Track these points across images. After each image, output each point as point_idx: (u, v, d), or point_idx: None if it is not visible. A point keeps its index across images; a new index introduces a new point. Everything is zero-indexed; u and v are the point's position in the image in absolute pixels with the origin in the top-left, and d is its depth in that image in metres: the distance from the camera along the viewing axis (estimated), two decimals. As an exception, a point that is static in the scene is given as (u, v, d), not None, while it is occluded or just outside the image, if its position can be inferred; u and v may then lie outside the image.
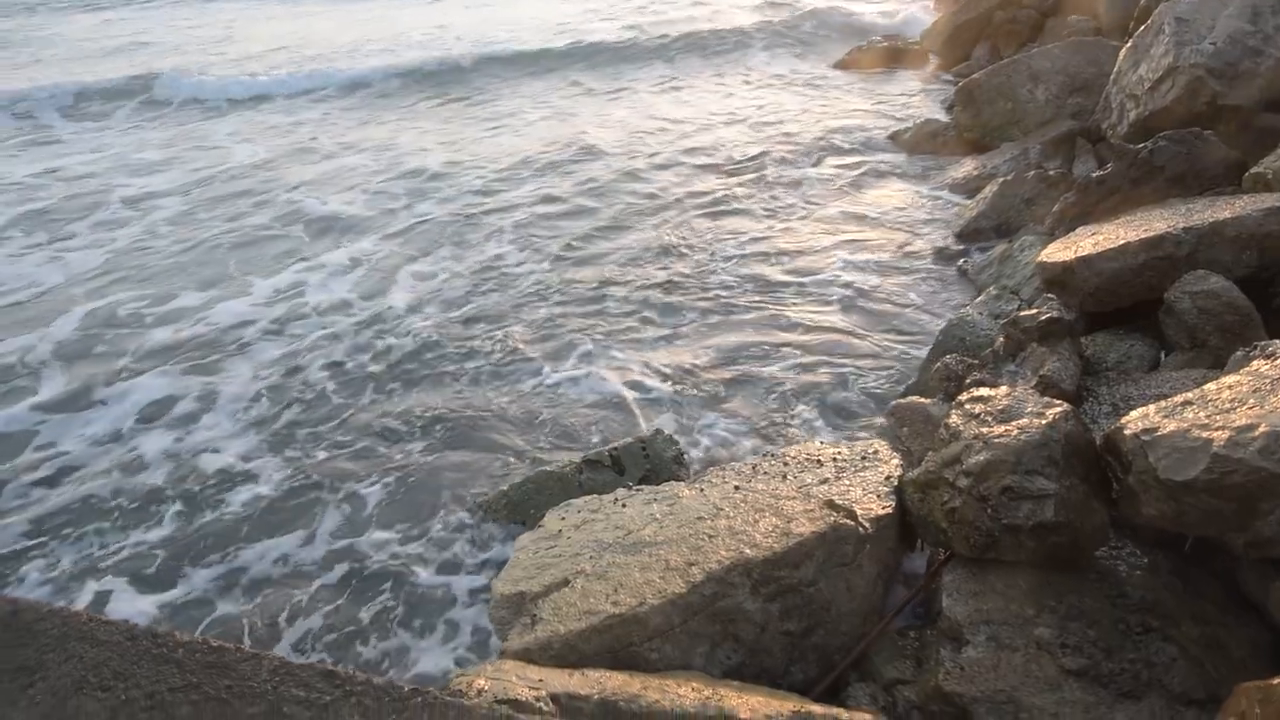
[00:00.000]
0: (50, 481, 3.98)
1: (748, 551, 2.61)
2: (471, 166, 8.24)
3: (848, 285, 5.41)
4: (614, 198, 7.29)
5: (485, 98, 11.23)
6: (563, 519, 3.10)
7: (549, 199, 7.30)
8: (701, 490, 3.09)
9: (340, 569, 3.42)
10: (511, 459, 4.00)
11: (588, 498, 3.22)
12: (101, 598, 3.32)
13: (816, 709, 2.09)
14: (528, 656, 2.43)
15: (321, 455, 4.09)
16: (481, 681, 2.00)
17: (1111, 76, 6.24)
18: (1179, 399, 2.59)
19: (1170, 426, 2.43)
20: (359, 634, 3.13)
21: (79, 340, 5.21)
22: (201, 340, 5.16)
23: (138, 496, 3.86)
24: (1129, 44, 6.04)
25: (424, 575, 3.36)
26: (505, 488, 3.58)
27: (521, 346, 4.95)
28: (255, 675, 1.51)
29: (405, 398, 4.53)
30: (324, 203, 7.37)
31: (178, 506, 3.79)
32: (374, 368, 4.82)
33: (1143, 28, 5.96)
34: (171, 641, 1.56)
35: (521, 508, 3.46)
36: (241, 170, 8.42)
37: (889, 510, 2.84)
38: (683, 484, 3.20)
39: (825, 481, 3.03)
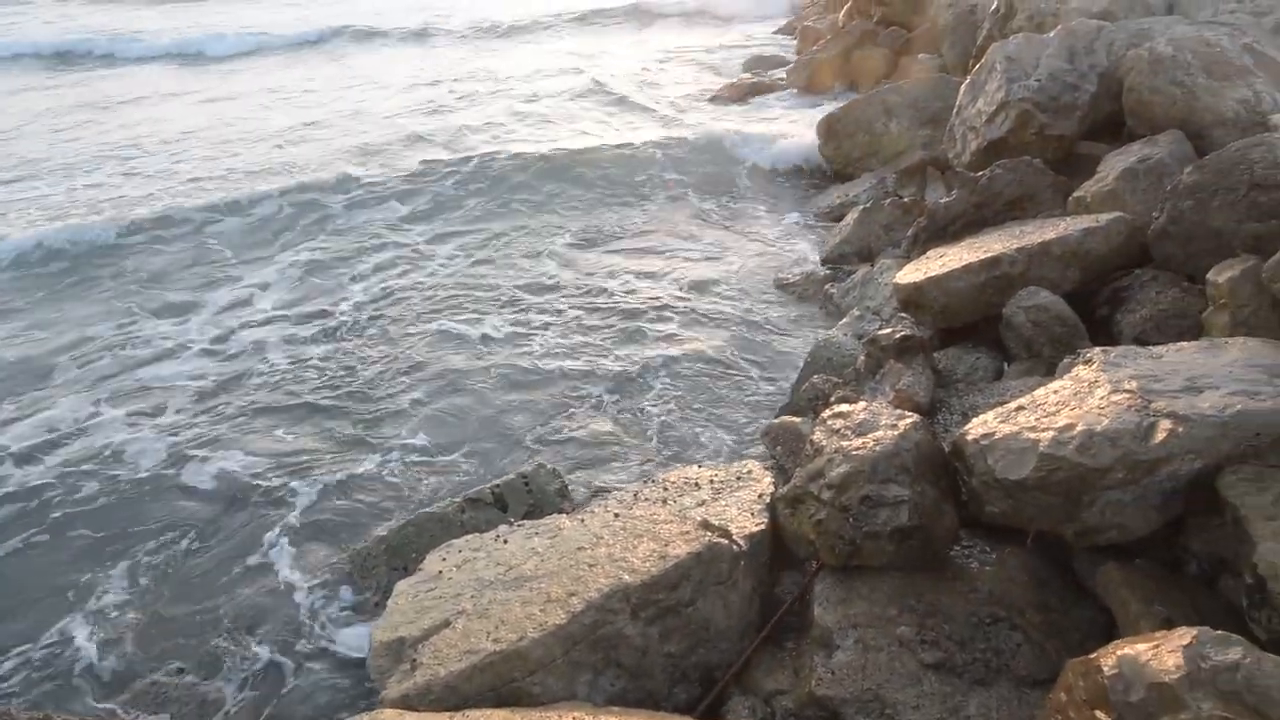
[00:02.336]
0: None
1: (626, 577, 2.66)
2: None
3: (719, 312, 5.59)
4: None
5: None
6: (444, 560, 3.07)
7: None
8: (583, 521, 3.12)
9: (215, 642, 3.27)
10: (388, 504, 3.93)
11: (469, 537, 3.20)
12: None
13: (693, 725, 2.14)
14: (406, 703, 2.39)
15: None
16: (354, 731, 1.95)
17: (955, 110, 6.74)
18: (1013, 404, 2.82)
19: (1005, 430, 2.65)
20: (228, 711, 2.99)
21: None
22: None
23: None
24: (968, 80, 6.55)
25: (305, 631, 3.25)
26: (383, 532, 3.50)
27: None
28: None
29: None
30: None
31: None
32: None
33: (978, 65, 6.48)
34: None
35: (401, 552, 3.40)
36: None
37: (762, 527, 2.95)
38: (564, 516, 3.22)
39: (702, 503, 3.11)
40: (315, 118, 11.24)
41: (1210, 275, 3.44)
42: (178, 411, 4.73)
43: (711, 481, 3.29)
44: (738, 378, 4.80)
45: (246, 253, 7.00)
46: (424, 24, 19.07)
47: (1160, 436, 2.33)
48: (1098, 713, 1.72)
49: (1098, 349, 2.98)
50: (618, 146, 9.13)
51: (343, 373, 5.06)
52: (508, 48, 16.64)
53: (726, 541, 2.81)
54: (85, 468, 4.26)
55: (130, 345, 5.47)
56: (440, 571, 2.98)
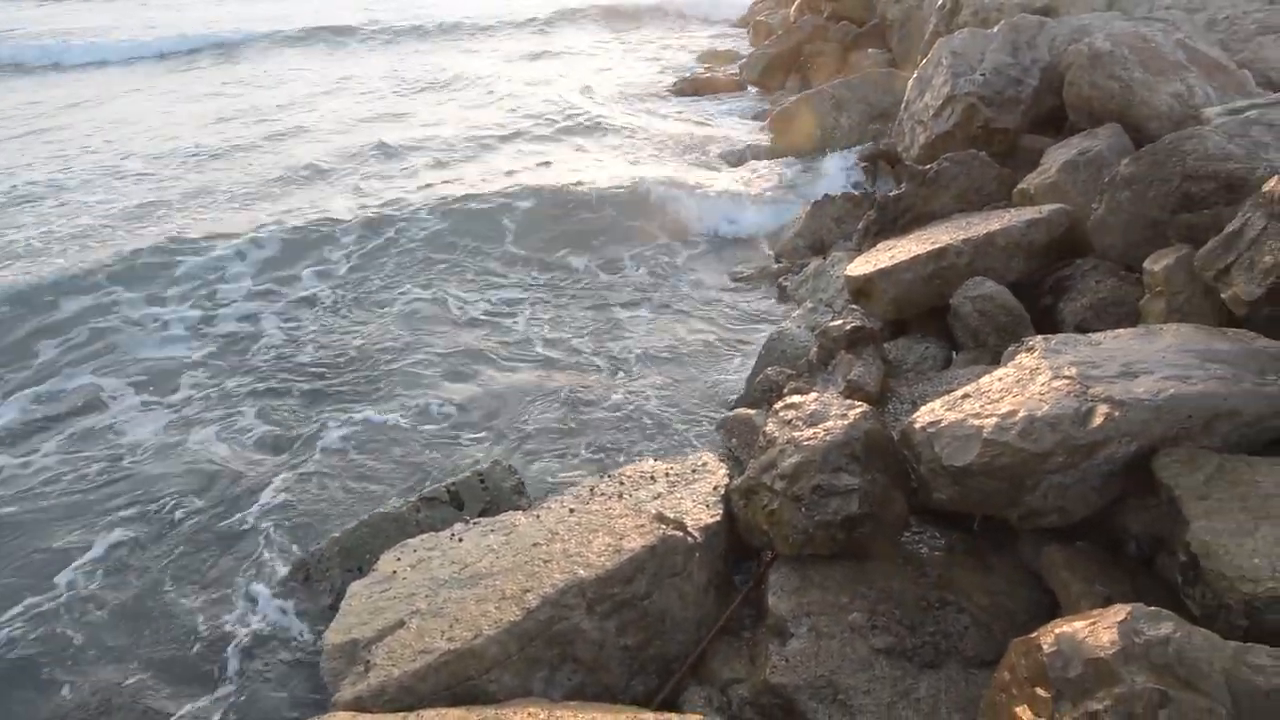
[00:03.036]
0: None
1: (581, 572, 2.66)
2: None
3: (678, 305, 5.62)
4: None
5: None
6: (398, 560, 3.04)
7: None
8: (538, 517, 3.11)
9: (163, 646, 3.19)
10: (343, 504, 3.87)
11: (424, 536, 3.17)
12: None
13: (648, 716, 2.16)
14: (360, 705, 2.36)
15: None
16: (305, 735, 1.93)
17: (903, 104, 6.84)
18: (959, 392, 2.88)
19: (951, 418, 2.70)
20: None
21: None
22: None
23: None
24: (915, 75, 6.66)
25: (257, 634, 3.19)
26: (337, 534, 3.45)
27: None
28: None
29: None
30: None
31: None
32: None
33: (925, 60, 6.59)
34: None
35: (355, 553, 3.36)
36: None
37: (717, 518, 2.98)
38: (520, 513, 3.21)
39: (658, 496, 3.13)
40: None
41: (1146, 264, 3.54)
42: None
43: (667, 475, 3.30)
44: (692, 370, 4.83)
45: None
46: (355, 23, 17.98)
47: (1098, 421, 2.40)
48: (1038, 689, 1.76)
49: (1039, 337, 3.05)
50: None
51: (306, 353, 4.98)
52: (439, 49, 16.21)
53: (681, 534, 2.83)
54: None
55: None
56: (394, 572, 2.95)
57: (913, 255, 4.18)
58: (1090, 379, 2.56)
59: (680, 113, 10.54)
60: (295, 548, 3.61)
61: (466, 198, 7.33)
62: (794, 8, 13.06)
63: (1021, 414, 2.50)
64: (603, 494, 3.23)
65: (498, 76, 13.01)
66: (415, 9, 20.13)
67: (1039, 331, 3.78)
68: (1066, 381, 2.58)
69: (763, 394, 4.04)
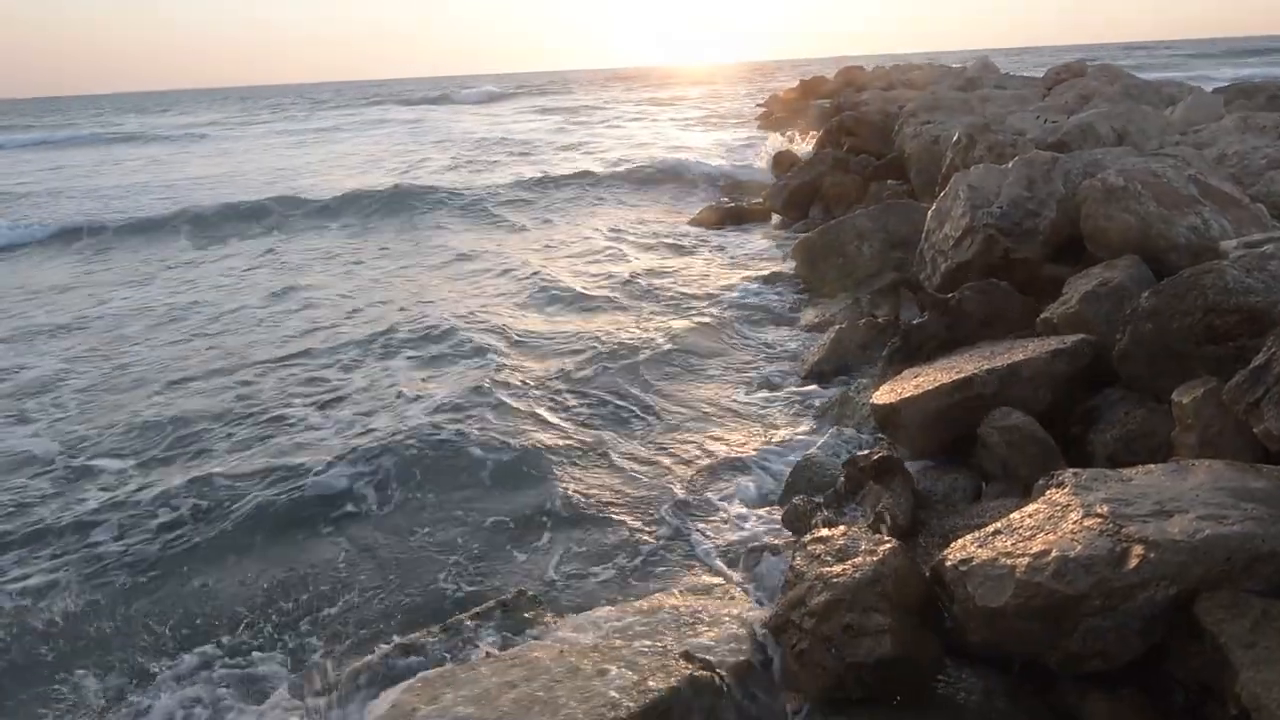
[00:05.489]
0: None
1: (608, 714, 2.58)
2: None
3: (698, 423, 5.64)
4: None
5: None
6: (416, 695, 2.97)
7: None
8: (560, 652, 3.05)
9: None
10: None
11: (441, 670, 3.11)
12: None
13: None
14: None
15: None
16: None
17: (924, 234, 7.04)
18: (990, 528, 2.84)
19: (983, 555, 2.66)
20: None
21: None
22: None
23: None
24: (934, 207, 6.87)
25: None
26: (357, 665, 3.39)
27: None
28: None
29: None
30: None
31: None
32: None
33: (944, 193, 6.81)
34: None
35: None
36: None
37: (745, 658, 2.90)
38: (540, 645, 3.15)
39: (681, 631, 3.06)
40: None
41: (1175, 396, 3.53)
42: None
43: (691, 608, 3.25)
44: (718, 491, 4.80)
45: None
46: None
47: (1133, 563, 2.34)
48: None
49: (1069, 471, 3.02)
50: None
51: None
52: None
53: (709, 674, 2.75)
54: None
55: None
56: (414, 709, 2.88)
57: (938, 384, 4.21)
58: (1123, 518, 2.52)
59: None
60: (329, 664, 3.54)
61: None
62: (813, 142, 13.65)
63: (1054, 554, 2.45)
64: (623, 629, 3.17)
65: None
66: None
67: (1069, 462, 3.75)
68: (1099, 520, 2.54)
69: (789, 523, 3.99)
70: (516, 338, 7.85)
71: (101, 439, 5.97)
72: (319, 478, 5.16)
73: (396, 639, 3.56)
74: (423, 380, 6.87)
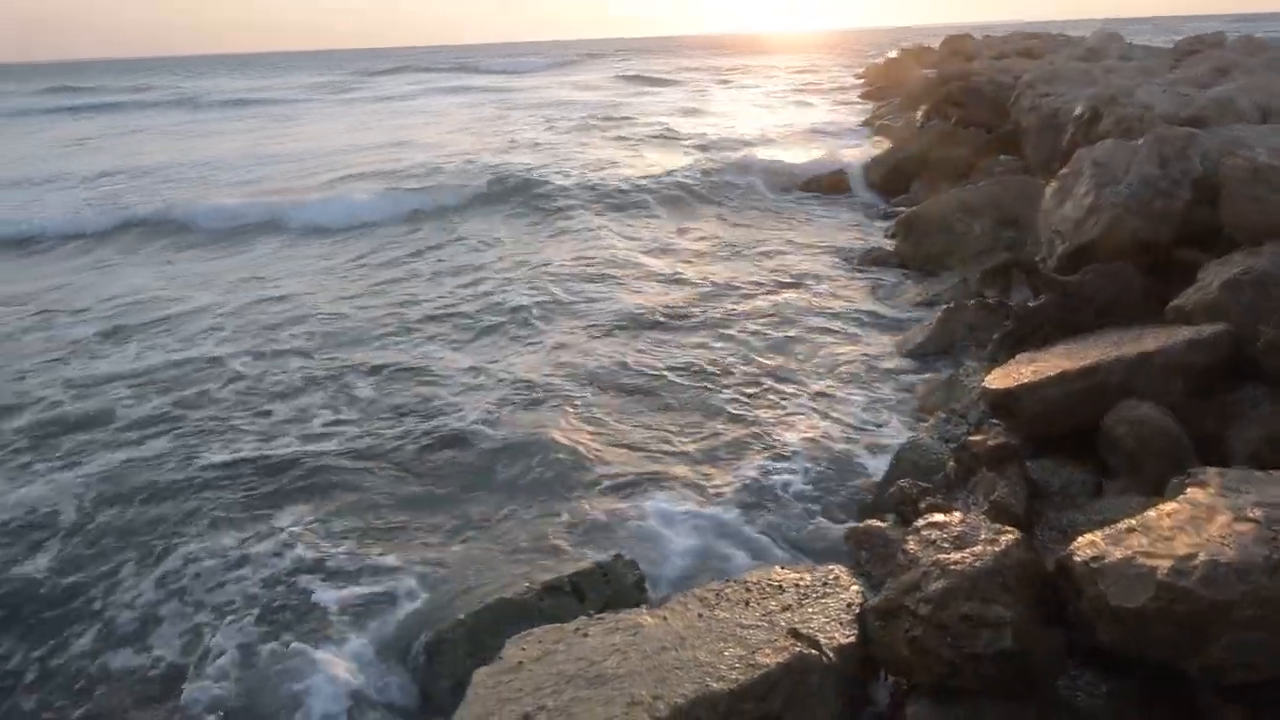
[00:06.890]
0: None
1: (713, 685, 2.58)
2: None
3: (800, 400, 5.55)
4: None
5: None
6: (523, 650, 3.02)
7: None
8: (665, 619, 3.05)
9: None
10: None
11: (547, 627, 3.16)
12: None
13: None
14: (487, 802, 2.33)
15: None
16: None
17: (1040, 213, 6.70)
18: (1123, 525, 2.70)
19: (1117, 554, 2.52)
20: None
21: None
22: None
23: None
24: (1054, 184, 6.52)
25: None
26: (462, 616, 3.49)
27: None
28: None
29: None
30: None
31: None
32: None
33: (1065, 170, 6.45)
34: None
35: (478, 638, 3.37)
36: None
37: (852, 640, 2.85)
38: (645, 611, 3.16)
39: (788, 609, 3.02)
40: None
41: (1330, 396, 3.28)
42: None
43: (797, 585, 3.20)
44: (821, 468, 4.72)
45: None
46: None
47: (1294, 572, 2.19)
48: None
49: (1213, 470, 2.84)
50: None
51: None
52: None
53: (816, 653, 2.71)
54: None
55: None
56: (520, 663, 2.93)
57: (1060, 371, 4.01)
58: (1280, 524, 2.35)
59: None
60: (412, 626, 3.66)
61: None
62: (919, 113, 13.15)
63: (1202, 557, 2.31)
64: (729, 600, 3.14)
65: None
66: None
67: (1201, 460, 3.52)
68: (1252, 525, 2.38)
69: (895, 506, 3.89)
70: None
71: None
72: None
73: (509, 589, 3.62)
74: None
